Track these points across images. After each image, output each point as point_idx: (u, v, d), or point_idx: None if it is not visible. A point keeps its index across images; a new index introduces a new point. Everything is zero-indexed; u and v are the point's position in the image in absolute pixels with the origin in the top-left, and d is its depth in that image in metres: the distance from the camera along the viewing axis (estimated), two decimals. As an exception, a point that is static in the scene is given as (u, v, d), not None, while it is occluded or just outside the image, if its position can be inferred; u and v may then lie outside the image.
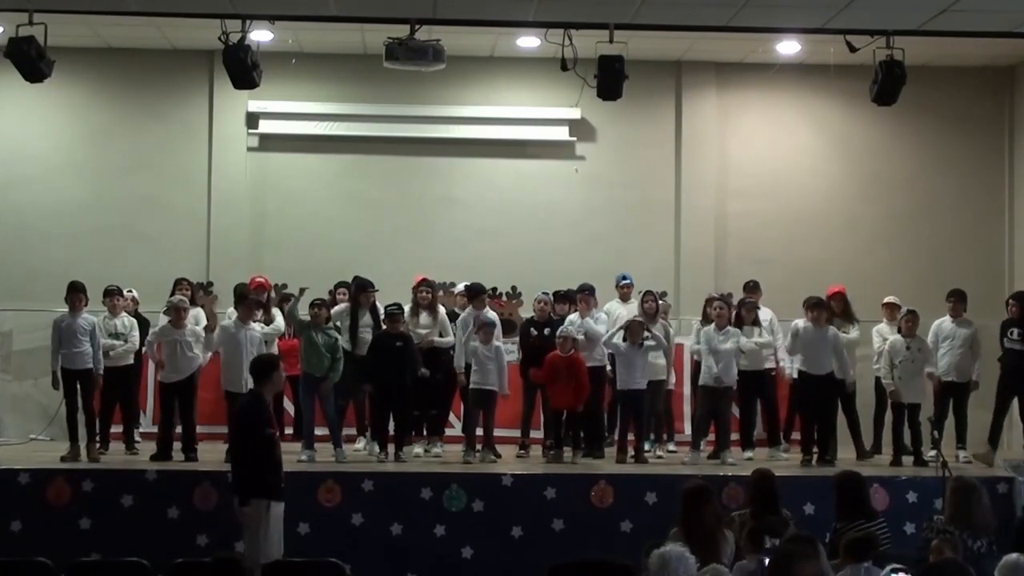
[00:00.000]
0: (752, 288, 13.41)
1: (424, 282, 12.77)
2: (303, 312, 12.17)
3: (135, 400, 12.97)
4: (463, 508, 10.98)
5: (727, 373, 12.32)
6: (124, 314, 12.74)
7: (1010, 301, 12.76)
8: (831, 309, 12.72)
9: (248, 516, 9.06)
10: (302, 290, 12.27)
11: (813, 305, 12.41)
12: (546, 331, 12.48)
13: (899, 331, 12.63)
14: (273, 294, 13.29)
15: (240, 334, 11.91)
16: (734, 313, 12.96)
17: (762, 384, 12.77)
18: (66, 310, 12.14)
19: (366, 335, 12.37)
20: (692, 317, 13.43)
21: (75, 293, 12.12)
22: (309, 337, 11.96)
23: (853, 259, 15.39)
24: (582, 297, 12.73)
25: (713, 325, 12.42)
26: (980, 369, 12.81)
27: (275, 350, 12.37)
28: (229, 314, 12.81)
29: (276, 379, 9.46)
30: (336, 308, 12.50)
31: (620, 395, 12.29)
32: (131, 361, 12.71)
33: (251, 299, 12.31)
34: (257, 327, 12.19)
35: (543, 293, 12.83)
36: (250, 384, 11.69)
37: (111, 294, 12.70)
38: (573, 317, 12.71)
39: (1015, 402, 12.69)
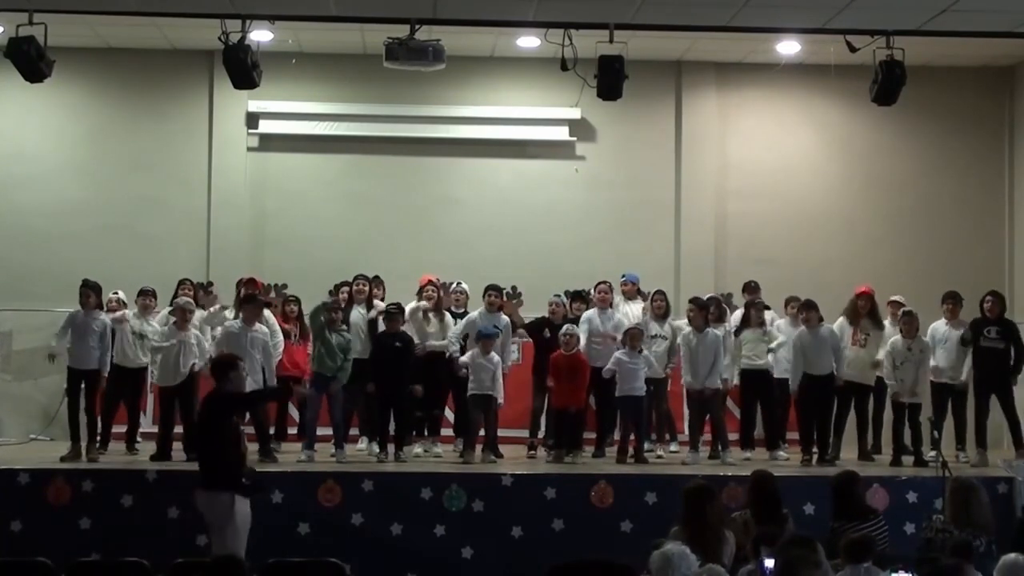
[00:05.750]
0: (754, 288, 13.40)
1: (429, 283, 12.76)
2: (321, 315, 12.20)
3: (143, 400, 12.95)
4: (463, 508, 10.97)
5: (707, 375, 12.31)
6: (155, 318, 12.62)
7: (988, 298, 12.76)
8: (857, 309, 12.71)
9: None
10: (330, 302, 12.34)
11: (804, 307, 12.44)
12: (560, 336, 12.47)
13: (900, 332, 12.63)
14: (274, 294, 13.27)
15: (244, 336, 11.89)
16: (733, 313, 13.01)
17: (763, 384, 12.75)
18: (70, 310, 12.14)
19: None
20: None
21: (85, 290, 12.08)
22: (324, 338, 11.97)
23: (853, 259, 15.39)
24: (600, 290, 12.75)
25: (691, 328, 12.45)
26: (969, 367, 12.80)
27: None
28: (227, 313, 12.82)
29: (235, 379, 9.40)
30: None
31: (620, 401, 12.30)
32: (146, 364, 12.66)
33: (259, 300, 12.29)
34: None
35: (556, 295, 12.90)
36: (251, 385, 11.84)
37: (145, 294, 12.65)
38: (590, 314, 12.75)
39: (994, 401, 12.69)
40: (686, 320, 12.81)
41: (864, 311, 12.77)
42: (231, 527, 8.96)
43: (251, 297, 12.33)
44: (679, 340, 12.59)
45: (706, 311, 12.55)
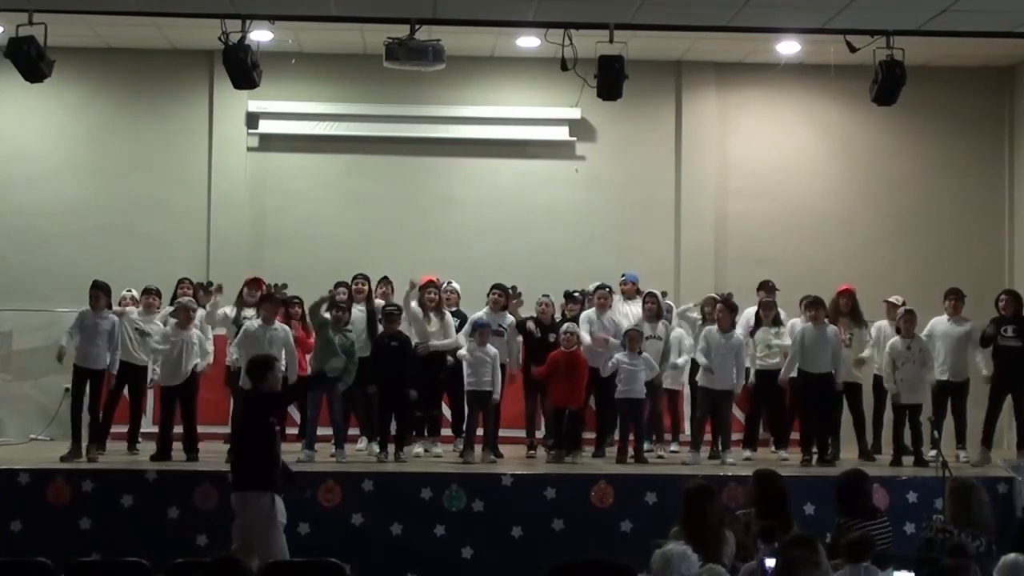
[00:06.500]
0: (771, 288, 13.33)
1: (431, 284, 12.76)
2: (324, 313, 12.18)
3: (144, 399, 12.95)
4: (463, 508, 10.97)
5: (726, 375, 12.31)
6: (157, 316, 12.62)
7: (1003, 297, 12.77)
8: (838, 307, 12.72)
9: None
10: (332, 292, 12.42)
11: (811, 304, 12.44)
12: (551, 336, 12.48)
13: (897, 331, 12.63)
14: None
15: (263, 334, 11.87)
16: (743, 313, 13.02)
17: (773, 384, 12.66)
18: (70, 309, 12.16)
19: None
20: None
21: (95, 291, 12.08)
22: (327, 338, 11.95)
23: (853, 259, 15.40)
24: (600, 295, 12.74)
25: (716, 326, 12.43)
26: (984, 360, 12.78)
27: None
28: (223, 313, 12.83)
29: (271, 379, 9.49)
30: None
31: (620, 403, 12.29)
32: (147, 363, 12.64)
33: (276, 299, 12.28)
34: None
35: (544, 295, 12.88)
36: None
37: (149, 293, 12.65)
38: (590, 314, 12.75)
39: (1008, 401, 12.69)
40: (690, 321, 12.85)
41: (846, 309, 12.77)
42: (273, 527, 8.99)
43: (268, 296, 12.32)
44: (700, 339, 12.53)
45: (735, 313, 12.54)
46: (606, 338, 12.42)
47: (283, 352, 11.83)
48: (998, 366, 12.63)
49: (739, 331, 12.69)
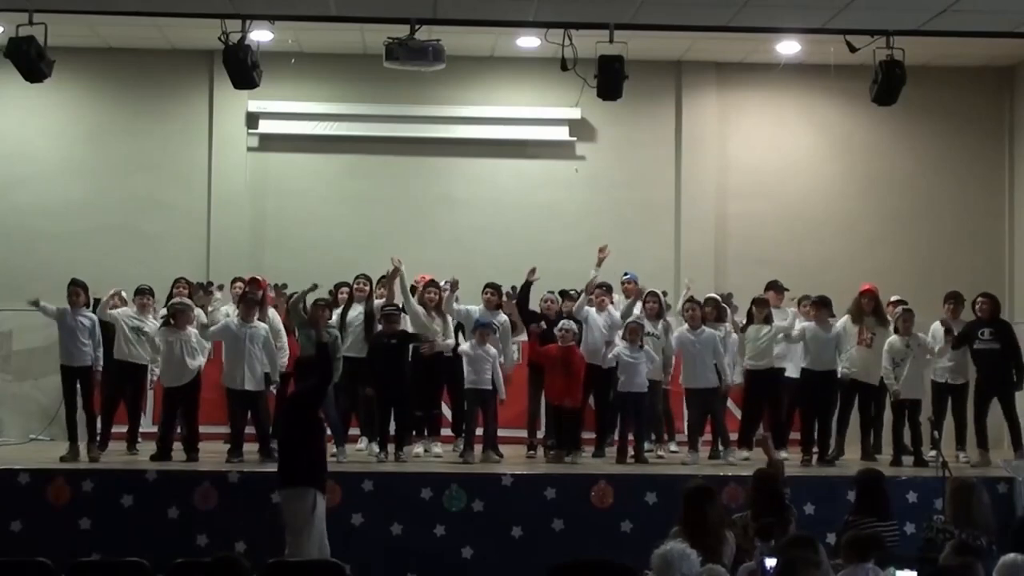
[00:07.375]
0: (780, 289, 13.31)
1: (431, 283, 12.75)
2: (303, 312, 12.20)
3: (144, 399, 12.93)
4: (463, 508, 10.98)
5: (702, 373, 12.30)
6: (151, 315, 12.59)
7: (980, 299, 12.75)
8: (861, 308, 12.71)
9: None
10: (314, 285, 12.38)
11: (815, 303, 12.43)
12: (556, 331, 12.51)
13: (896, 331, 12.62)
14: (273, 293, 13.25)
15: (242, 332, 11.90)
16: (729, 311, 13.01)
17: (771, 384, 12.63)
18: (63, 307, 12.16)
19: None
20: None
21: (73, 288, 12.13)
22: (309, 335, 11.94)
23: (853, 259, 15.40)
24: (599, 294, 12.75)
25: (685, 326, 12.44)
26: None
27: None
28: (225, 312, 12.83)
29: None
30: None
31: (621, 397, 12.29)
32: (147, 362, 12.62)
33: (250, 298, 12.29)
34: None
35: (549, 292, 12.93)
36: (250, 382, 11.87)
37: (142, 293, 12.61)
38: (589, 312, 12.72)
39: (995, 403, 12.67)
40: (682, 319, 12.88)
41: (868, 309, 12.74)
42: (309, 527, 9.09)
43: (243, 296, 12.37)
44: (673, 339, 12.56)
45: (703, 309, 12.55)
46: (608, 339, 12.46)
47: (262, 349, 11.92)
48: (978, 369, 12.65)
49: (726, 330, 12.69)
